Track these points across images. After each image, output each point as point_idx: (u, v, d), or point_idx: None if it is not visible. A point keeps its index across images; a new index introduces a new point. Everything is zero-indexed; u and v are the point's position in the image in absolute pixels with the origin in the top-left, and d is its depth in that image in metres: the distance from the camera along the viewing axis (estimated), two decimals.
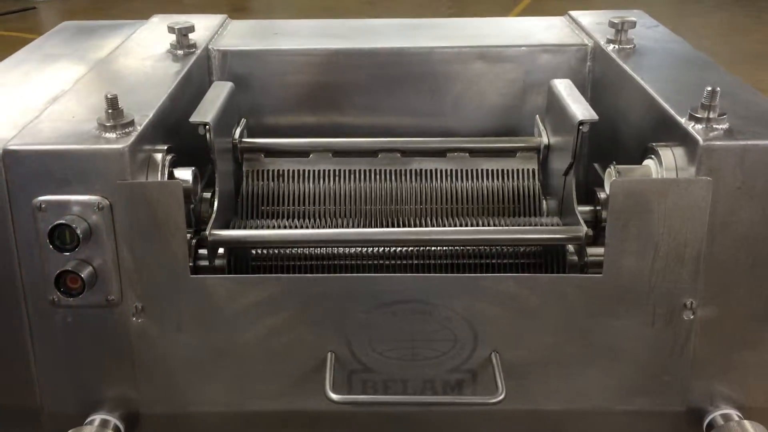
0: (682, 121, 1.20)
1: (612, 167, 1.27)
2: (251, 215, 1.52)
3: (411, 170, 1.56)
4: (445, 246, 1.35)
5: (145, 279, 1.16)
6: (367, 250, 1.38)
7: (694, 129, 1.16)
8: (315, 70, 1.68)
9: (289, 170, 1.56)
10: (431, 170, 1.56)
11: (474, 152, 1.57)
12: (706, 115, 1.17)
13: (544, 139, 1.54)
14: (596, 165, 1.56)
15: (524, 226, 1.40)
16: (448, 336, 1.21)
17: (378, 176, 1.55)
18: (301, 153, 1.57)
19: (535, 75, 1.69)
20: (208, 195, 1.41)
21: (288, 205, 1.53)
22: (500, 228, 1.36)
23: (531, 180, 1.56)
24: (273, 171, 1.56)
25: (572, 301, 1.19)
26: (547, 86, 1.65)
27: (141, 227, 1.14)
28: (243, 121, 1.60)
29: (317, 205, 1.53)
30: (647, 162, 1.27)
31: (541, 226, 1.40)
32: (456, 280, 1.21)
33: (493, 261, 1.40)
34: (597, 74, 1.66)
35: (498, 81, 1.70)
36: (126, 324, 1.18)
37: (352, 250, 1.39)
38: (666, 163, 1.21)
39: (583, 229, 1.28)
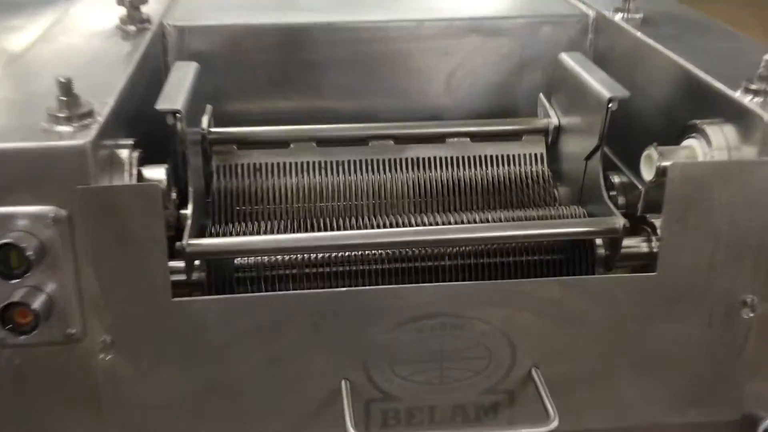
0: (736, 94, 1.05)
1: (653, 149, 1.11)
2: (226, 218, 1.30)
3: (406, 159, 1.37)
4: (467, 246, 1.17)
5: (115, 306, 0.94)
6: (369, 253, 1.19)
7: (753, 103, 1.02)
8: (287, 48, 1.47)
9: (267, 164, 1.34)
10: (429, 158, 1.37)
11: (475, 137, 1.39)
12: (764, 88, 1.03)
13: (554, 120, 1.38)
14: (605, 148, 1.41)
15: (552, 219, 1.24)
16: (482, 353, 1.03)
17: (370, 167, 1.36)
18: (280, 143, 1.35)
19: (532, 49, 1.52)
20: (173, 195, 1.19)
21: (268, 204, 1.32)
22: (528, 222, 1.20)
23: (539, 165, 1.40)
24: (248, 165, 1.34)
25: (623, 303, 1.03)
26: (544, 62, 1.49)
27: (109, 242, 0.91)
28: (209, 107, 1.37)
29: (302, 202, 1.32)
30: (689, 142, 1.13)
31: (569, 218, 1.23)
32: (492, 287, 1.04)
33: (512, 259, 1.23)
34: (601, 47, 1.51)
35: (493, 56, 1.52)
36: (91, 362, 0.96)
37: (351, 254, 1.19)
38: (716, 143, 1.07)
39: (620, 221, 1.13)
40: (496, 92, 1.54)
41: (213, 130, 1.34)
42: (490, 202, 1.35)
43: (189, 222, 1.10)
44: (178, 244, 1.07)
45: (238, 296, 1.06)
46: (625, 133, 1.32)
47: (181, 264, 1.08)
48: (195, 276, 1.14)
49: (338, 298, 1.00)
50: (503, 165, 1.39)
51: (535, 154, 1.40)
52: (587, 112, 1.24)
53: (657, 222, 1.13)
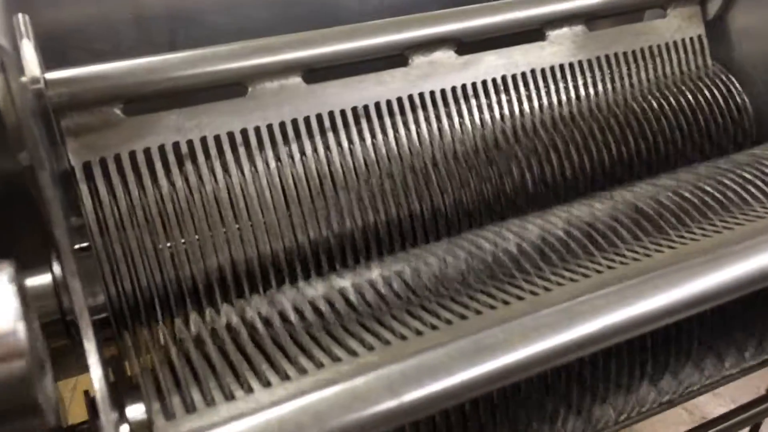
0: None
1: None
2: (135, 289, 0.55)
3: (483, 83, 0.67)
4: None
5: None
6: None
7: None
8: None
9: (201, 139, 0.58)
10: (523, 75, 0.69)
11: (592, 19, 0.72)
12: None
13: None
14: None
15: None
16: None
17: (420, 110, 0.65)
18: (221, 86, 0.59)
19: None
20: None
21: (219, 235, 0.58)
22: None
23: (699, 58, 0.77)
24: (157, 149, 0.57)
25: None
26: None
27: None
28: (23, 21, 0.56)
29: (303, 206, 0.60)
30: None
31: None
32: None
33: None
34: None
35: None
36: None
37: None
38: None
39: None
40: None
41: (52, 76, 0.54)
42: (633, 142, 0.72)
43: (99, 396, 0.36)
44: None
45: None
46: None
47: None
48: None
49: None
50: (643, 66, 0.74)
51: (691, 39, 0.76)
52: None
53: None
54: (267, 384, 0.44)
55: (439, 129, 0.65)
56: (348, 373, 0.42)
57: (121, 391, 0.49)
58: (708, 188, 0.60)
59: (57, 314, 0.55)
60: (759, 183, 0.61)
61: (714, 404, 1.25)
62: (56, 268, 0.54)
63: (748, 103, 0.75)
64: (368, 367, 0.42)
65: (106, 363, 0.44)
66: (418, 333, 0.46)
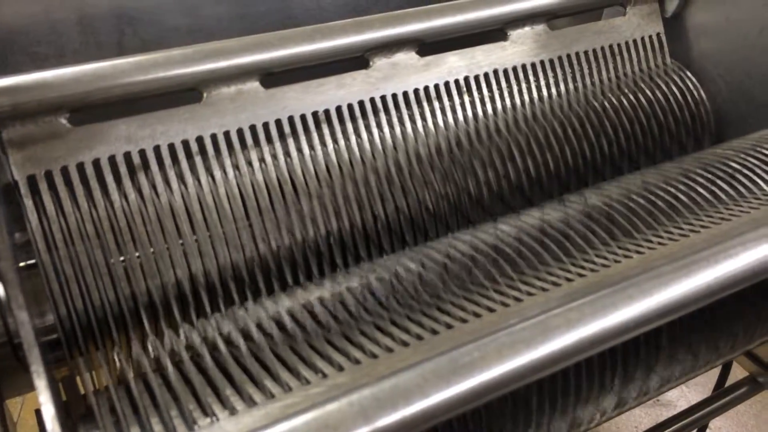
0: None
1: None
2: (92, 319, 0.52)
3: (445, 85, 0.66)
4: None
5: None
6: None
7: None
8: None
9: (154, 148, 0.56)
10: (486, 75, 0.68)
11: (554, 17, 0.71)
12: None
13: None
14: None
15: None
16: None
17: (382, 114, 0.63)
18: (173, 92, 0.57)
19: None
20: None
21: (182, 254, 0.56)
22: None
23: (657, 57, 0.77)
24: (108, 160, 0.54)
25: None
26: None
27: None
28: None
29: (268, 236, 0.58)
30: None
31: None
32: None
33: None
34: None
35: None
36: None
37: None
38: None
39: None
40: None
41: None
42: (594, 141, 0.71)
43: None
44: None
45: None
46: None
47: None
48: None
49: None
50: (603, 64, 0.74)
51: (650, 37, 0.76)
52: None
53: None
54: (232, 411, 0.42)
55: (402, 132, 0.64)
56: (318, 398, 0.40)
57: (74, 414, 0.46)
58: (673, 190, 0.60)
59: (3, 336, 0.52)
60: (722, 183, 0.61)
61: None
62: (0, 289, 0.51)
63: (706, 101, 0.76)
64: (339, 390, 0.40)
65: (56, 389, 0.41)
66: (389, 350, 0.45)
